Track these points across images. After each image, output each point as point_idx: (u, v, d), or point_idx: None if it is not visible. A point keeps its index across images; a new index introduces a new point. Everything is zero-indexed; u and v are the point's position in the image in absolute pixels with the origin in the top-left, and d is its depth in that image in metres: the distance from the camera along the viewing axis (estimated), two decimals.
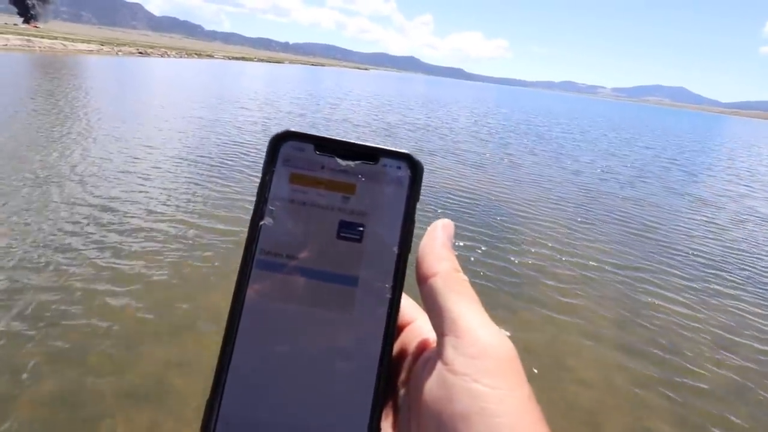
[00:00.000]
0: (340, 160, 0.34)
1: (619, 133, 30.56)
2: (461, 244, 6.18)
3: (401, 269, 0.33)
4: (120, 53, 54.50)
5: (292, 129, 0.34)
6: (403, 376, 0.34)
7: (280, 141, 0.34)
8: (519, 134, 21.44)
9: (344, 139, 0.34)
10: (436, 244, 0.33)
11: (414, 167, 0.34)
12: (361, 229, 0.33)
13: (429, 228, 0.34)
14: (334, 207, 0.33)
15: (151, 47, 72.47)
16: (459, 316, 0.29)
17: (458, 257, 0.33)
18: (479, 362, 0.27)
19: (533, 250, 6.36)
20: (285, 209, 0.33)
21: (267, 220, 0.33)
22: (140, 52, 59.41)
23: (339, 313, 0.32)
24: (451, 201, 8.26)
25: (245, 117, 16.05)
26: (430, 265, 0.32)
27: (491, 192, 9.30)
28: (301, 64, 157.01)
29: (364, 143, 0.34)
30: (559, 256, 6.25)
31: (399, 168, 0.34)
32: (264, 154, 0.34)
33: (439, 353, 0.30)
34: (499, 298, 4.89)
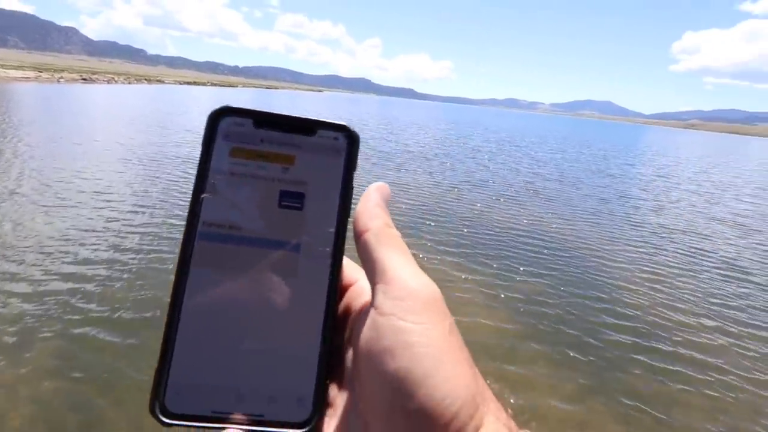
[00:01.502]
0: (278, 133, 0.35)
1: (591, 149, 32.20)
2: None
3: (341, 233, 0.34)
4: (62, 80, 50.51)
5: (231, 105, 0.35)
6: (347, 333, 0.36)
7: (219, 116, 0.34)
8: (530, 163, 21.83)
9: (281, 113, 0.35)
10: (370, 204, 0.34)
11: (350, 137, 0.36)
12: (302, 197, 0.34)
13: (365, 191, 0.36)
14: (274, 178, 0.34)
15: (94, 73, 68.08)
16: (389, 265, 0.31)
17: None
18: (404, 303, 0.29)
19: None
20: (226, 182, 0.34)
21: (208, 193, 0.33)
22: (84, 79, 55.49)
23: (283, 278, 0.33)
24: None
25: None
26: (363, 223, 0.34)
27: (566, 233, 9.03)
28: (254, 87, 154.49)
29: (300, 116, 0.35)
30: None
31: (336, 139, 0.36)
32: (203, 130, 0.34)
33: (372, 302, 0.31)
34: None
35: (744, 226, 11.06)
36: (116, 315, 4.21)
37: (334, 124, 0.36)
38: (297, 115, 0.35)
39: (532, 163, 19.74)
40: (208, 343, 0.31)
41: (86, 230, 6.31)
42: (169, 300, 0.31)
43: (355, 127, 0.36)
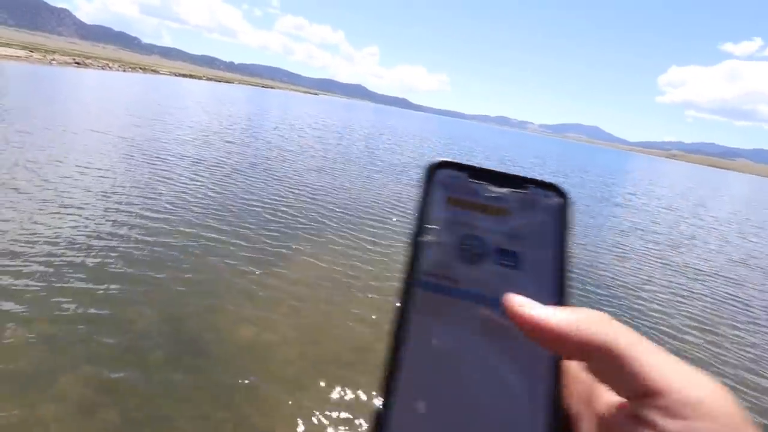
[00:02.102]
0: (493, 187, 0.34)
1: (589, 175, 32.45)
2: None
3: (563, 298, 0.32)
4: (54, 62, 48.77)
5: (447, 159, 0.35)
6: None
7: (436, 168, 0.35)
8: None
9: (495, 169, 0.35)
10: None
11: (563, 196, 0.35)
12: (517, 254, 0.33)
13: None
14: (489, 231, 0.33)
15: (87, 57, 66.11)
16: (651, 367, 0.24)
17: None
18: (697, 425, 0.22)
19: None
20: (443, 231, 0.33)
21: (426, 241, 0.33)
22: (77, 63, 53.73)
23: (499, 339, 0.31)
24: None
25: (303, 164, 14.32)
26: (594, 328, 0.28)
27: None
28: (250, 85, 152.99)
29: (513, 173, 0.35)
30: None
31: (548, 196, 0.35)
32: (420, 180, 0.35)
33: (635, 417, 0.24)
34: None
35: (762, 268, 10.98)
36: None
37: (545, 182, 0.35)
38: (510, 172, 0.35)
39: None
40: (429, 396, 0.30)
41: (89, 235, 5.67)
42: (387, 346, 0.31)
43: (565, 187, 0.35)
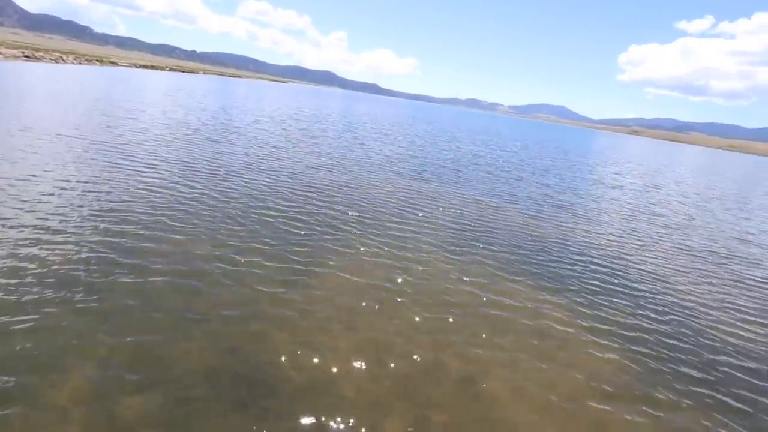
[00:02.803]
0: None
1: (569, 156, 32.80)
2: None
3: None
4: None
5: None
6: None
7: None
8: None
9: None
10: None
11: None
12: None
13: None
14: None
15: (37, 50, 61.00)
16: None
17: None
18: None
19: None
20: None
21: None
22: (26, 56, 49.53)
23: None
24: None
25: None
26: None
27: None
28: (216, 74, 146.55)
29: None
30: None
31: None
32: None
33: None
34: None
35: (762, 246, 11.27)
36: None
37: None
38: None
39: (541, 170, 19.55)
40: None
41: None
42: None
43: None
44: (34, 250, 5.19)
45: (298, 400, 3.45)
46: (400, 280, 5.96)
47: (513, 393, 3.96)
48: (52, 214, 6.37)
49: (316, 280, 5.63)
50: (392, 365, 4.09)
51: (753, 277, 8.51)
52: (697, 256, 9.53)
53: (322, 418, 3.29)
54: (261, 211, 8.01)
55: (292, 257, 6.15)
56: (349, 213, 8.76)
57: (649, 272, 7.90)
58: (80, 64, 59.88)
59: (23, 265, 4.84)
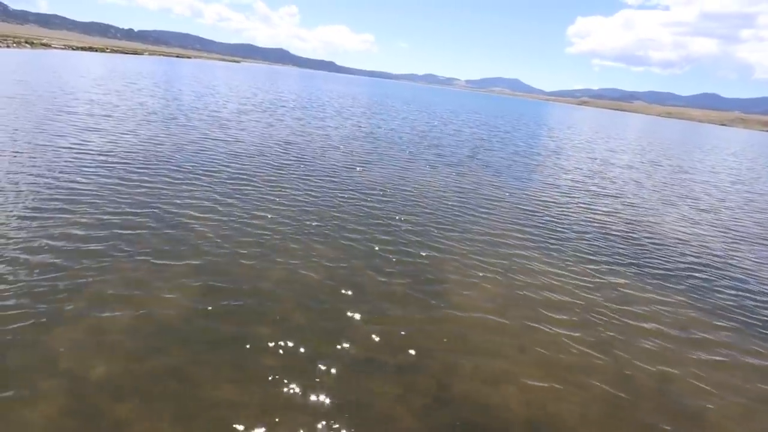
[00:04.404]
0: None
1: (539, 127, 33.70)
2: None
3: None
4: None
5: None
6: None
7: None
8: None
9: None
10: None
11: None
12: None
13: None
14: None
15: None
16: None
17: None
18: None
19: None
20: None
21: None
22: None
23: None
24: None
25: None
26: None
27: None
28: (162, 55, 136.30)
29: None
30: None
31: None
32: None
33: None
34: None
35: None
36: None
37: None
38: None
39: (525, 145, 20.00)
40: None
41: None
42: None
43: None
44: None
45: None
46: (547, 284, 5.95)
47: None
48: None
49: (449, 297, 5.50)
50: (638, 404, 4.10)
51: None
52: None
53: None
54: (344, 229, 7.65)
55: (410, 284, 5.97)
56: (435, 215, 8.59)
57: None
58: (8, 47, 53.51)
59: None
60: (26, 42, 62.65)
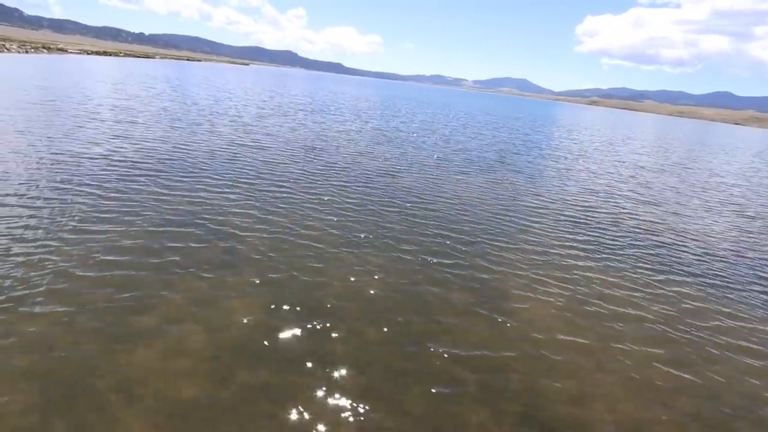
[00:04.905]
0: None
1: (556, 127, 33.27)
2: None
3: None
4: None
5: None
6: None
7: None
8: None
9: None
10: None
11: None
12: None
13: None
14: None
15: None
16: None
17: None
18: None
19: None
20: None
21: None
22: None
23: None
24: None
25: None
26: None
27: None
28: (174, 59, 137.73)
29: None
30: None
31: None
32: None
33: None
34: None
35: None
36: None
37: None
38: None
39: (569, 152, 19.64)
40: None
41: None
42: None
43: None
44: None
45: None
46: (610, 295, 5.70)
47: None
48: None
49: (517, 315, 5.27)
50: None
51: None
52: None
53: None
54: (412, 244, 7.47)
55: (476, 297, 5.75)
56: (498, 228, 8.36)
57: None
58: (26, 53, 54.34)
59: None
60: (43, 47, 63.60)
